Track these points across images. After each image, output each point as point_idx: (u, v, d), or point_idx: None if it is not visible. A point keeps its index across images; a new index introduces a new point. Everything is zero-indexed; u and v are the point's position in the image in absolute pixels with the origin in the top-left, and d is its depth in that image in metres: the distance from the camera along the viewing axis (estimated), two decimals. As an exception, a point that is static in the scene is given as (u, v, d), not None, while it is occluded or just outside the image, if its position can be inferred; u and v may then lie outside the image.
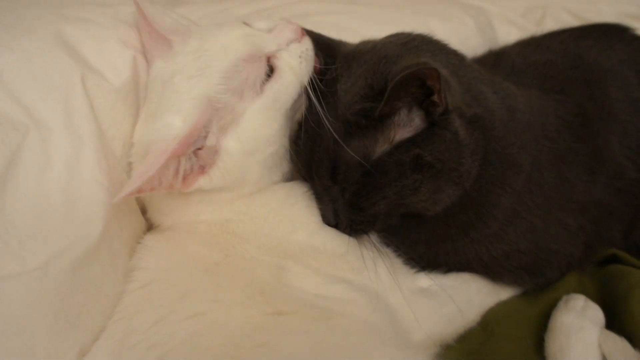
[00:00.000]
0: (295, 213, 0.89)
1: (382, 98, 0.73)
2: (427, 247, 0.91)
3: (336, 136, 0.77)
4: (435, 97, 0.73)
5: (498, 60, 1.07)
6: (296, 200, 0.90)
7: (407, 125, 0.77)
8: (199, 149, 0.81)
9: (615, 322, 0.86)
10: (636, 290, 0.87)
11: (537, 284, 0.97)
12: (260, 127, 0.84)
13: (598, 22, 1.15)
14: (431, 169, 0.77)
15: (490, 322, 0.91)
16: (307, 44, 0.89)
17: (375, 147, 0.77)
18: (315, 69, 0.88)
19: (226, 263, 0.81)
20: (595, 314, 0.86)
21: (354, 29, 1.07)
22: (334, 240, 0.87)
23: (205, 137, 0.81)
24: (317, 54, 0.89)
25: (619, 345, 0.80)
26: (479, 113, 0.82)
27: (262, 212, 0.87)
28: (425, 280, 0.92)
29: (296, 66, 0.86)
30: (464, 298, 0.92)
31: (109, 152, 0.84)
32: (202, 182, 0.83)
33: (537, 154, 0.90)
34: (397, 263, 0.92)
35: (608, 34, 1.08)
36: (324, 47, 0.90)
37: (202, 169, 0.83)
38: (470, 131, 0.80)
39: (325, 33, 0.93)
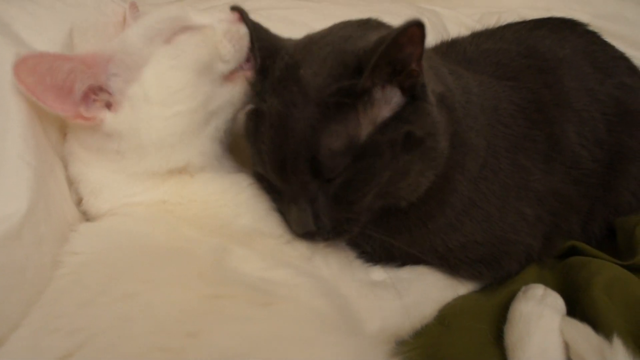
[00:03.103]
0: (240, 199, 0.85)
1: (358, 75, 0.69)
2: (382, 239, 0.87)
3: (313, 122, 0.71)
4: (414, 65, 0.70)
5: (450, 49, 1.05)
6: (242, 189, 0.86)
7: (387, 102, 0.73)
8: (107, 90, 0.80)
9: (576, 312, 0.83)
10: (597, 277, 0.83)
11: (496, 277, 0.93)
12: (163, 75, 0.80)
13: (552, 16, 1.14)
14: (420, 146, 0.74)
15: (447, 315, 0.87)
16: (239, 28, 0.87)
17: (360, 128, 0.71)
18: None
19: (165, 244, 0.76)
20: (555, 301, 0.82)
21: (304, 22, 1.06)
22: (282, 226, 0.83)
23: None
24: (253, 55, 0.86)
25: (581, 331, 0.76)
26: (443, 92, 0.80)
27: (201, 195, 0.84)
28: (380, 273, 0.88)
29: (212, 34, 0.85)
30: (419, 291, 0.88)
31: (39, 130, 0.79)
32: (106, 116, 0.80)
33: (492, 138, 0.87)
34: (350, 255, 0.88)
35: (562, 26, 1.08)
36: (265, 40, 0.85)
37: (110, 106, 0.80)
38: (439, 109, 0.77)
39: (274, 26, 0.91)
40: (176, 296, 0.68)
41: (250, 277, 0.73)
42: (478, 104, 0.86)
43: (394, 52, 0.68)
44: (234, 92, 0.86)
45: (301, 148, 0.71)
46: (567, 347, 0.77)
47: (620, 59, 1.09)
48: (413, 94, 0.73)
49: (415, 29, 0.67)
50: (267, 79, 0.78)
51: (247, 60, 0.87)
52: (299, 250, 0.82)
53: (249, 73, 0.86)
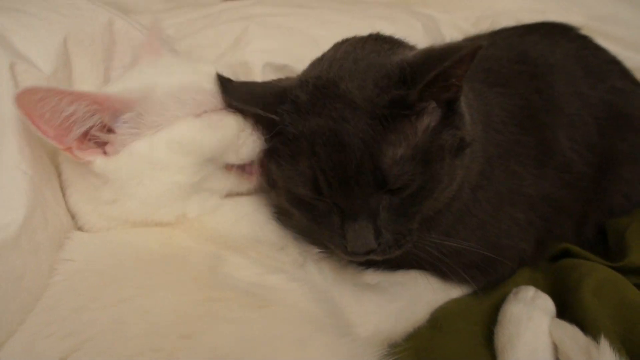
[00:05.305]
0: (240, 212, 0.86)
1: (403, 85, 0.70)
2: None
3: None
4: (459, 82, 0.72)
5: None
6: (240, 200, 0.87)
7: (433, 112, 0.74)
8: (111, 131, 0.79)
9: (566, 314, 0.83)
10: (587, 279, 0.84)
11: (489, 281, 0.93)
12: (177, 146, 0.79)
13: (543, 21, 1.15)
14: (465, 151, 0.76)
15: (439, 318, 0.87)
16: None
17: (417, 136, 0.71)
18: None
19: (159, 251, 0.77)
20: (545, 303, 0.83)
21: (300, 29, 1.06)
22: (276, 233, 0.84)
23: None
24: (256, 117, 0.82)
25: (569, 332, 0.77)
26: None
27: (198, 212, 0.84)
28: (373, 277, 0.89)
29: (240, 125, 0.83)
30: (412, 295, 0.89)
31: (35, 141, 0.80)
32: (97, 159, 0.78)
33: (486, 146, 0.88)
34: (344, 259, 0.88)
35: (553, 32, 1.09)
36: (262, 94, 0.81)
37: (104, 148, 0.79)
38: None
39: (271, 34, 0.91)
40: (170, 300, 0.70)
41: (243, 282, 0.74)
42: (475, 111, 0.86)
43: (451, 71, 0.69)
44: (232, 182, 0.85)
45: (364, 160, 0.70)
46: (556, 347, 0.78)
47: (612, 62, 1.10)
48: (450, 105, 0.75)
49: (475, 51, 0.67)
50: (286, 117, 0.76)
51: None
52: (292, 256, 0.83)
53: (252, 175, 0.87)
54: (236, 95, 0.81)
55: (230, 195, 0.86)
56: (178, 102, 0.81)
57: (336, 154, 0.71)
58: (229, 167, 0.84)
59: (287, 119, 0.75)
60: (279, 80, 0.84)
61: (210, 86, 0.83)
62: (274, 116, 0.76)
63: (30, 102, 0.72)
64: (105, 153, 0.79)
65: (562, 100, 0.98)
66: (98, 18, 0.99)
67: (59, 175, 0.85)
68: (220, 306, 0.69)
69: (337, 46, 0.82)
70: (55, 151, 0.85)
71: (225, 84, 0.82)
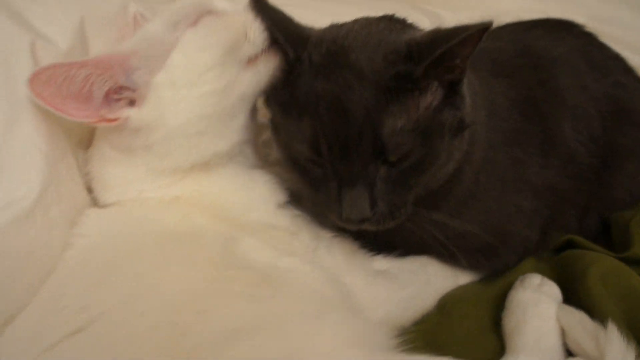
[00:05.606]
0: (254, 195, 0.86)
1: (409, 62, 0.72)
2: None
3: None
4: (463, 63, 0.73)
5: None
6: (257, 185, 0.87)
7: (435, 91, 0.75)
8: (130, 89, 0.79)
9: (572, 303, 0.84)
10: (592, 267, 0.85)
11: (494, 268, 0.95)
12: (191, 57, 0.80)
13: (548, 17, 1.17)
14: (463, 132, 0.77)
15: (447, 303, 0.89)
16: None
17: (418, 111, 0.73)
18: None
19: (174, 229, 0.77)
20: (551, 289, 0.84)
21: (306, 22, 1.06)
22: (290, 219, 0.86)
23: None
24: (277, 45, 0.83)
25: (576, 317, 0.78)
26: None
27: (216, 191, 0.84)
28: (382, 263, 0.90)
29: (237, 17, 0.84)
30: (422, 281, 0.90)
31: (51, 118, 0.80)
32: (131, 112, 0.79)
33: (490, 132, 0.89)
34: (354, 245, 0.90)
35: (558, 27, 1.11)
36: (290, 30, 0.83)
37: (133, 103, 0.80)
38: None
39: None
40: (185, 276, 0.70)
41: (258, 263, 0.75)
42: (480, 98, 0.88)
43: (457, 50, 0.71)
44: (259, 75, 0.84)
45: (365, 128, 0.72)
46: (563, 333, 0.79)
47: (616, 59, 1.11)
48: (453, 86, 0.76)
49: (482, 32, 0.69)
50: (301, 67, 0.78)
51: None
52: (304, 241, 0.84)
53: (272, 56, 0.85)
54: (268, 14, 0.84)
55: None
56: (172, 24, 0.82)
57: (339, 119, 0.73)
58: (250, 61, 0.84)
59: (300, 69, 0.78)
60: (302, 25, 0.86)
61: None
62: (291, 52, 0.79)
63: (42, 84, 0.73)
64: (134, 106, 0.80)
65: (565, 93, 1.00)
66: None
67: (90, 161, 0.86)
68: (235, 284, 0.70)
69: (356, 20, 0.85)
70: (72, 130, 0.85)
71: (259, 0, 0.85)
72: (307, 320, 0.67)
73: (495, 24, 1.31)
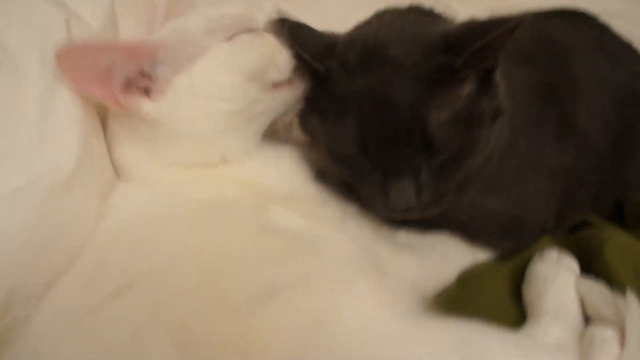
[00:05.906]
0: (282, 167, 0.89)
1: (446, 53, 0.73)
2: None
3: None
4: (498, 54, 0.76)
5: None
6: (284, 158, 0.91)
7: (472, 81, 0.77)
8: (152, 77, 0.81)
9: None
10: (609, 242, 0.87)
11: (513, 247, 0.97)
12: (216, 71, 0.81)
13: (564, 8, 1.20)
14: (497, 121, 0.80)
15: (466, 278, 0.91)
16: None
17: (460, 101, 0.75)
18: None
19: (206, 199, 0.80)
20: (570, 263, 0.86)
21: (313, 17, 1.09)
22: (318, 191, 0.88)
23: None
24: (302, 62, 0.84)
25: (595, 288, 0.80)
26: None
27: (245, 166, 0.87)
28: (404, 237, 0.92)
29: (272, 40, 0.85)
30: (443, 255, 0.93)
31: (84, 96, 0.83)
32: (145, 104, 0.81)
33: (511, 117, 0.92)
34: (377, 219, 0.92)
35: (574, 17, 1.14)
36: (314, 43, 0.84)
37: (148, 92, 0.81)
38: None
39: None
40: (221, 242, 0.72)
41: (290, 230, 0.78)
42: (503, 84, 0.91)
43: (494, 42, 0.73)
44: (279, 100, 0.87)
45: (411, 122, 0.73)
46: (582, 304, 0.81)
47: (631, 49, 1.15)
48: (487, 74, 0.79)
49: (519, 25, 0.72)
50: (334, 74, 0.79)
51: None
52: (333, 211, 0.86)
53: (297, 84, 0.87)
54: (291, 33, 0.85)
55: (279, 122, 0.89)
56: (209, 30, 0.83)
57: (384, 115, 0.74)
58: (275, 86, 0.85)
59: (334, 75, 0.79)
60: (326, 33, 0.87)
61: (237, 10, 0.86)
62: (320, 67, 0.80)
63: (70, 61, 0.76)
64: (149, 97, 0.82)
65: (581, 80, 1.02)
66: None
67: (107, 129, 0.88)
68: (270, 248, 0.73)
69: (381, 14, 0.87)
70: (102, 107, 0.88)
71: (282, 20, 0.86)
72: (342, 280, 0.70)
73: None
